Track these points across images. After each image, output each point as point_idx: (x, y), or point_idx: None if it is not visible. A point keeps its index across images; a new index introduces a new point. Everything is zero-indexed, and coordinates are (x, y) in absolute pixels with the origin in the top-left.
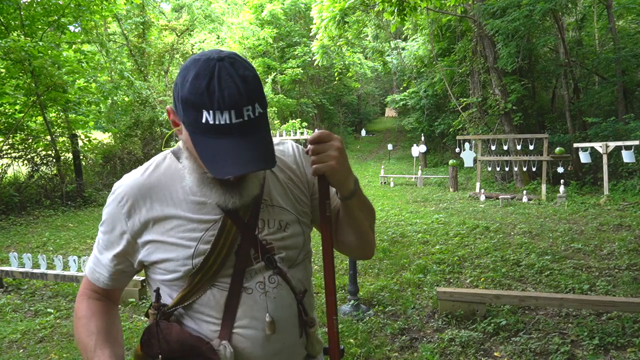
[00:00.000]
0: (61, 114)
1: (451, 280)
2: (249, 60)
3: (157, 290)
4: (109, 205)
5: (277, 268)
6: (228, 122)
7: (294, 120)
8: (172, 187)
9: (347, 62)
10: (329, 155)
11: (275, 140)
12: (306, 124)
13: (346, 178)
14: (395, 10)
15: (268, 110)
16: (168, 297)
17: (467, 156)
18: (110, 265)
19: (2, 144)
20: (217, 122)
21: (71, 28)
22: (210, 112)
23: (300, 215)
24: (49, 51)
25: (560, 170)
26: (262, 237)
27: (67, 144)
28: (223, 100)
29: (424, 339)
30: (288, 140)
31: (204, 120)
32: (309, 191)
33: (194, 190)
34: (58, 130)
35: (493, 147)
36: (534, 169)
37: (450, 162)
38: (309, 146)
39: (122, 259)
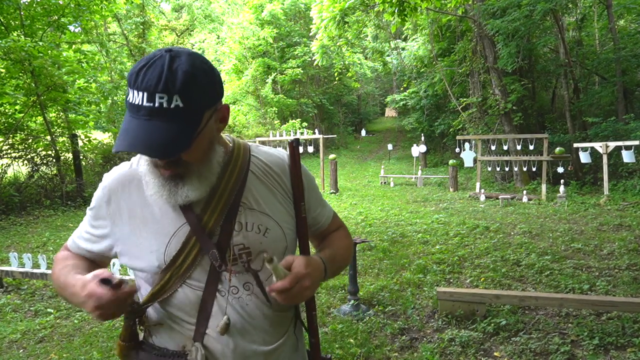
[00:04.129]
0: (61, 114)
1: (451, 280)
2: (250, 61)
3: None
4: (99, 187)
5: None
6: (139, 102)
7: (294, 120)
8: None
9: (347, 62)
10: (302, 295)
11: (273, 149)
12: (306, 124)
13: (318, 285)
14: (396, 11)
15: (268, 110)
16: (143, 292)
17: (467, 156)
18: (90, 240)
19: (2, 144)
20: (132, 101)
21: (71, 28)
22: (132, 90)
23: (282, 221)
24: (49, 51)
25: (560, 170)
26: (239, 240)
27: (67, 144)
28: (142, 82)
29: (424, 339)
30: (284, 151)
31: (127, 98)
32: (293, 203)
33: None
34: (58, 130)
35: (493, 147)
36: (534, 169)
37: (450, 162)
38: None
39: (103, 240)
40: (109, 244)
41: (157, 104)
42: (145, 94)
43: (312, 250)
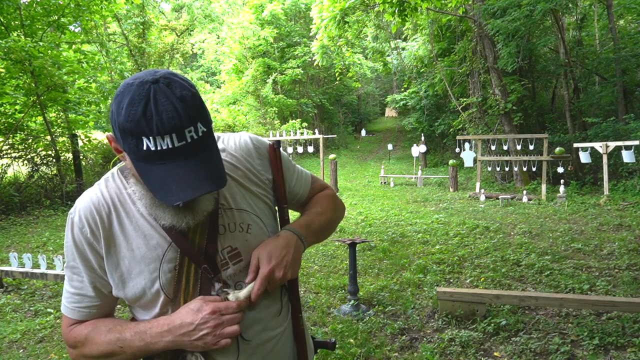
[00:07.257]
0: (61, 114)
1: (451, 280)
2: (250, 61)
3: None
4: (69, 233)
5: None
6: (170, 146)
7: (294, 121)
8: (126, 206)
9: (347, 62)
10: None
11: (231, 135)
12: (306, 124)
13: (299, 257)
14: (396, 11)
15: (268, 110)
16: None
17: (467, 156)
18: (94, 295)
19: (2, 144)
20: (158, 148)
21: (71, 28)
22: (150, 138)
23: (260, 213)
24: (49, 51)
25: (560, 170)
26: (226, 243)
27: (67, 144)
28: (162, 124)
29: (424, 339)
30: (244, 132)
31: (144, 147)
32: (268, 185)
33: (147, 212)
34: (58, 130)
35: (493, 147)
36: (534, 169)
37: (450, 162)
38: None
39: (101, 282)
40: (109, 276)
41: (189, 139)
42: (173, 135)
43: None
